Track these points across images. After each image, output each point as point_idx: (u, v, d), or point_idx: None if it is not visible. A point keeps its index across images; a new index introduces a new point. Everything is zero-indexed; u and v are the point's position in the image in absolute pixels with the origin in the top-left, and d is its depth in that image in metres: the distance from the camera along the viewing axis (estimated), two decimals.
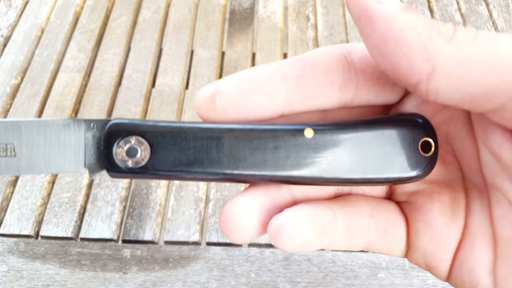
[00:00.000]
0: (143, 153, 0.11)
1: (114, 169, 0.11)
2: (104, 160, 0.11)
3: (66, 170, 0.11)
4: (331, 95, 0.13)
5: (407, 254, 0.14)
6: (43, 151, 0.11)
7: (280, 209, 0.13)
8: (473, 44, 0.10)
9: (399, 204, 0.14)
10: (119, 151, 0.11)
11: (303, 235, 0.12)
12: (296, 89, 0.13)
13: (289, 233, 0.12)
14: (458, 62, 0.10)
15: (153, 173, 0.12)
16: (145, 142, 0.11)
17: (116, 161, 0.11)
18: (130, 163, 0.11)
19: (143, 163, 0.11)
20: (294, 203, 0.13)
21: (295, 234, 0.12)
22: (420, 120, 0.12)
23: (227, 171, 0.12)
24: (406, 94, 0.13)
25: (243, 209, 0.12)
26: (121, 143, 0.11)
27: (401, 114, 0.13)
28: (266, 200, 0.13)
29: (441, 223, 0.13)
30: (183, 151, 0.12)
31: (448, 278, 0.13)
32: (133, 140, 0.11)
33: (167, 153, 0.11)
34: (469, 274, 0.12)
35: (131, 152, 0.11)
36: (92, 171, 0.12)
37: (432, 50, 0.10)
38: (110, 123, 0.11)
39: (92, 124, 0.11)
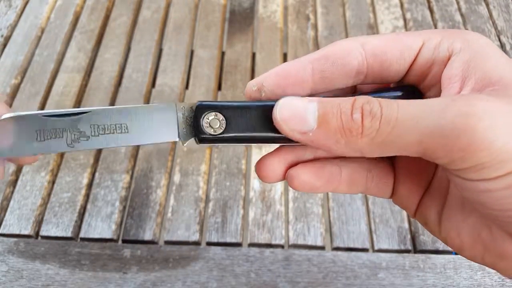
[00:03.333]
0: (221, 123, 0.16)
1: (201, 136, 0.16)
2: (194, 129, 0.16)
3: (165, 140, 0.15)
4: (347, 81, 0.17)
5: (392, 196, 0.18)
6: (147, 128, 0.15)
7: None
8: (379, 132, 0.13)
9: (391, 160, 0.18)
10: (204, 122, 0.16)
11: (310, 182, 0.17)
12: (321, 80, 0.16)
13: (299, 180, 0.16)
14: (375, 145, 0.14)
15: (229, 138, 0.16)
16: (222, 116, 0.16)
17: (203, 129, 0.16)
18: (212, 131, 0.16)
19: (221, 131, 0.16)
20: (315, 160, 0.17)
21: (303, 181, 0.16)
22: None
23: (272, 135, 0.16)
24: (407, 72, 0.16)
25: (275, 161, 0.17)
26: (205, 117, 0.16)
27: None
28: (291, 157, 0.17)
29: (415, 180, 0.17)
30: (247, 121, 0.16)
31: (415, 216, 0.18)
32: (213, 115, 0.16)
33: (237, 123, 0.16)
34: (425, 213, 0.17)
35: (212, 123, 0.16)
36: (184, 139, 0.16)
37: (354, 145, 0.14)
38: (197, 104, 0.16)
39: (182, 106, 0.16)
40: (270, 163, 0.17)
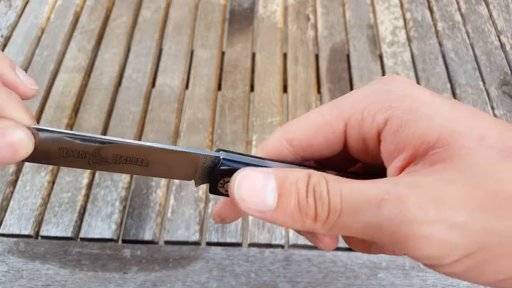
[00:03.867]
0: None
1: (214, 192, 0.16)
2: (209, 182, 0.16)
3: (179, 179, 0.16)
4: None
5: None
6: (166, 167, 0.16)
7: None
8: (328, 220, 0.13)
9: None
10: (220, 185, 0.16)
11: None
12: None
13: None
14: (327, 229, 0.14)
15: None
16: None
17: (217, 188, 0.16)
18: (224, 191, 0.16)
19: None
20: None
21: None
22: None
23: None
24: (346, 149, 0.16)
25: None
26: (224, 180, 0.16)
27: None
28: None
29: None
30: None
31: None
32: (226, 178, 0.16)
33: None
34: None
35: (226, 187, 0.16)
36: (197, 183, 0.16)
37: (310, 227, 0.14)
38: (220, 164, 0.16)
39: (204, 157, 0.16)
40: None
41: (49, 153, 0.15)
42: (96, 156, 0.15)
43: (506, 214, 0.12)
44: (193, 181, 0.16)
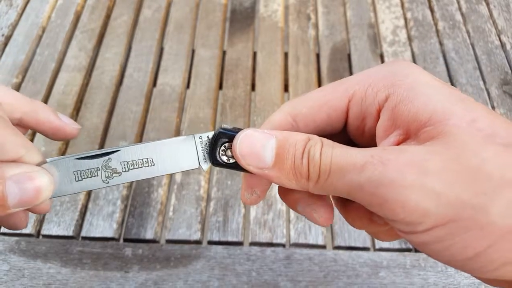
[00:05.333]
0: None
1: (215, 162, 0.17)
2: (211, 157, 0.17)
3: (187, 168, 0.17)
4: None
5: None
6: (171, 159, 0.17)
7: None
8: (319, 179, 0.14)
9: None
10: (220, 151, 0.17)
11: None
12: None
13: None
14: (317, 188, 0.15)
15: (237, 166, 0.16)
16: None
17: (218, 158, 0.17)
18: (225, 159, 0.17)
19: (233, 160, 0.17)
20: None
21: None
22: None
23: None
24: (346, 127, 0.17)
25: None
26: (221, 148, 0.17)
27: None
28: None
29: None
30: None
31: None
32: (227, 144, 0.17)
33: None
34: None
35: (227, 153, 0.17)
36: (204, 166, 0.17)
37: (302, 185, 0.15)
38: (214, 135, 0.17)
39: (199, 136, 0.17)
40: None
41: (67, 181, 0.16)
42: (107, 170, 0.16)
43: (482, 191, 0.12)
44: (200, 166, 0.17)
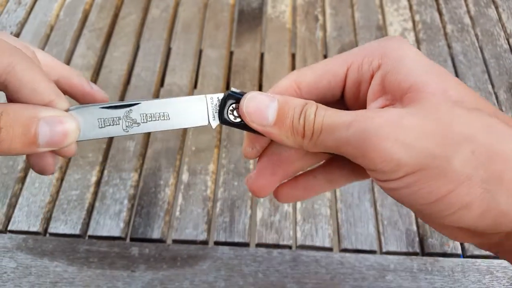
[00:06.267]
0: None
1: (224, 121, 0.19)
2: (219, 116, 0.19)
3: (198, 124, 0.19)
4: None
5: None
6: (184, 115, 0.18)
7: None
8: (313, 137, 0.17)
9: None
10: (228, 111, 0.18)
11: (290, 193, 0.21)
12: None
13: (282, 195, 0.21)
14: (311, 145, 0.17)
15: (242, 125, 0.18)
16: None
17: (228, 116, 0.18)
18: (232, 118, 0.18)
19: (239, 120, 0.18)
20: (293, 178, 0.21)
21: (285, 194, 0.21)
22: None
23: None
24: (343, 94, 0.19)
25: (264, 182, 0.20)
26: (229, 107, 0.18)
27: None
28: (276, 177, 0.20)
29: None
30: None
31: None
32: (234, 105, 0.18)
33: None
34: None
35: (234, 113, 0.18)
36: (213, 124, 0.19)
37: (298, 142, 0.17)
38: (224, 96, 0.18)
39: (211, 98, 0.19)
40: (262, 185, 0.20)
41: (91, 127, 0.18)
42: (128, 120, 0.18)
43: (449, 145, 0.15)
44: (210, 123, 0.19)
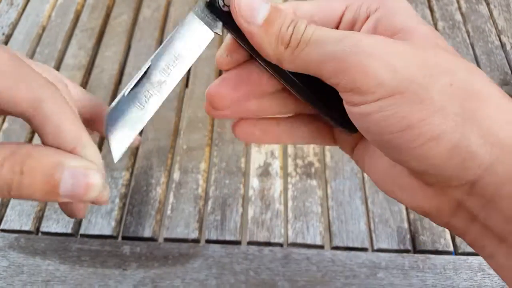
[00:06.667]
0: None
1: (215, 11, 0.18)
2: (213, 13, 0.18)
3: (207, 40, 0.18)
4: None
5: (336, 143, 0.22)
6: (191, 43, 0.18)
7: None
8: (298, 47, 0.16)
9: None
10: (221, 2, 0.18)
11: (248, 131, 0.22)
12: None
13: (240, 129, 0.22)
14: (292, 57, 0.17)
15: (230, 25, 0.18)
16: None
17: (218, 3, 0.18)
18: (221, 4, 0.18)
19: (227, 9, 0.18)
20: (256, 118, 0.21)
21: (242, 130, 0.22)
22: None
23: None
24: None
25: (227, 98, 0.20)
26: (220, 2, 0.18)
27: None
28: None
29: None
30: None
31: (352, 156, 0.21)
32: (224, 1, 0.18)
33: None
34: (356, 154, 0.21)
35: (224, 1, 0.18)
36: (216, 29, 0.18)
37: (279, 53, 0.17)
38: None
39: (196, 9, 0.18)
40: (221, 93, 0.19)
41: (136, 115, 0.18)
42: (155, 85, 0.18)
43: (429, 75, 0.15)
44: (216, 33, 0.18)
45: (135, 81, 0.18)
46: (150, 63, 0.18)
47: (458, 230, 0.18)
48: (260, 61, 0.18)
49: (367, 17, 0.18)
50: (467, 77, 0.15)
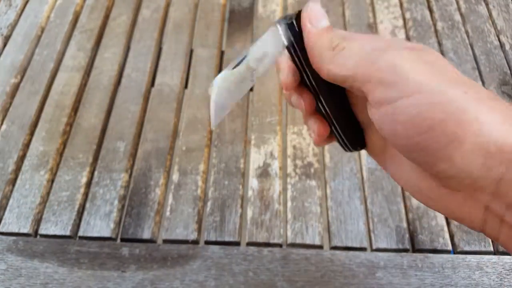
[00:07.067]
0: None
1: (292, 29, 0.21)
2: (288, 29, 0.21)
3: (282, 43, 0.21)
4: None
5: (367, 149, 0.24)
6: (274, 42, 0.21)
7: None
8: (341, 52, 0.19)
9: None
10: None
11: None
12: None
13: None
14: (336, 62, 0.19)
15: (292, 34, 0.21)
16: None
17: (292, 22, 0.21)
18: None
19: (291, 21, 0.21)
20: None
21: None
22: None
23: None
24: None
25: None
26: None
27: None
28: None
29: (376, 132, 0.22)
30: None
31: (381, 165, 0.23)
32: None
33: None
34: (383, 160, 0.23)
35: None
36: (286, 40, 0.21)
37: (326, 55, 0.20)
38: (293, 15, 0.21)
39: (279, 22, 0.21)
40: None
41: (240, 88, 0.22)
42: (252, 67, 0.21)
43: (446, 79, 0.17)
44: (284, 46, 0.21)
45: (238, 60, 0.21)
46: (246, 52, 0.21)
47: (491, 235, 0.18)
48: (305, 77, 0.21)
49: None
50: (479, 89, 0.17)
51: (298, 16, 0.21)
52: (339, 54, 0.19)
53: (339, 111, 0.22)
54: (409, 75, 0.17)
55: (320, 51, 0.20)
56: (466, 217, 0.18)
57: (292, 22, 0.20)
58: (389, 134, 0.18)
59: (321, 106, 0.22)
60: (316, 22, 0.20)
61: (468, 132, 0.16)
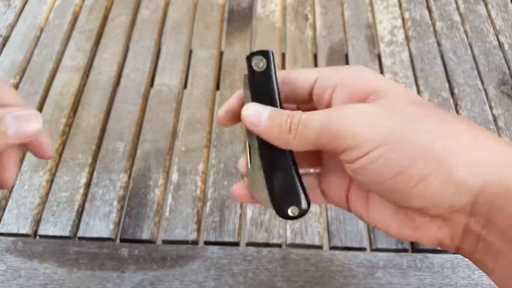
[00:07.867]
0: (263, 63, 0.22)
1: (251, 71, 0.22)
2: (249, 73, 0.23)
3: None
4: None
5: (326, 199, 0.24)
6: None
7: None
8: (298, 130, 0.20)
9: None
10: (253, 63, 0.22)
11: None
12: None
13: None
14: (297, 140, 0.20)
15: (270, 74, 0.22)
16: (265, 60, 0.22)
17: (253, 68, 0.22)
18: (257, 69, 0.22)
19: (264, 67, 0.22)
20: None
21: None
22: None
23: None
24: (310, 96, 0.23)
25: None
26: (254, 60, 0.22)
27: None
28: None
29: (338, 182, 0.23)
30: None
31: (350, 210, 0.23)
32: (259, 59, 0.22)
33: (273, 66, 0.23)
34: (355, 208, 0.22)
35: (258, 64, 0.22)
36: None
37: (286, 139, 0.20)
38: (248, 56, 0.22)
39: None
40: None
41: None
42: None
43: (404, 123, 0.18)
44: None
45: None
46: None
47: (466, 252, 0.19)
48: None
49: (334, 88, 0.21)
50: (441, 121, 0.18)
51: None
52: (297, 133, 0.20)
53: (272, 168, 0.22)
54: (364, 133, 0.18)
55: (280, 141, 0.21)
56: (445, 239, 0.19)
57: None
58: (363, 182, 0.19)
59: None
60: (258, 122, 0.21)
61: (435, 170, 0.17)
